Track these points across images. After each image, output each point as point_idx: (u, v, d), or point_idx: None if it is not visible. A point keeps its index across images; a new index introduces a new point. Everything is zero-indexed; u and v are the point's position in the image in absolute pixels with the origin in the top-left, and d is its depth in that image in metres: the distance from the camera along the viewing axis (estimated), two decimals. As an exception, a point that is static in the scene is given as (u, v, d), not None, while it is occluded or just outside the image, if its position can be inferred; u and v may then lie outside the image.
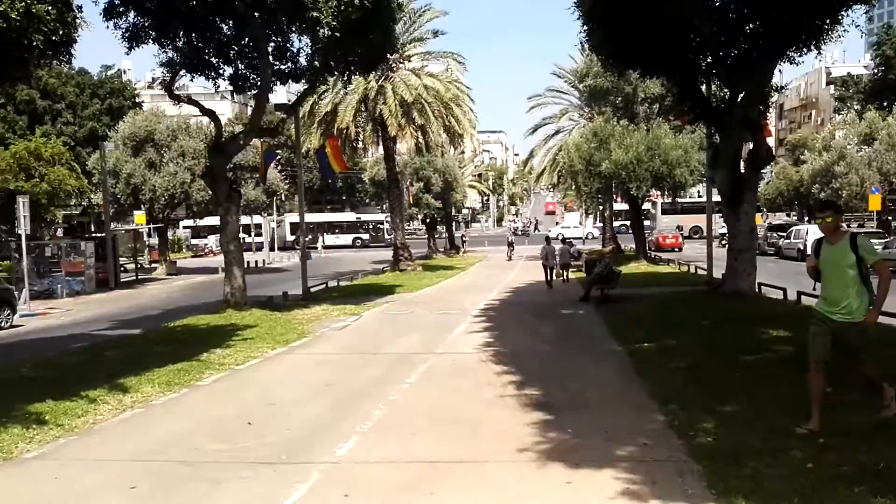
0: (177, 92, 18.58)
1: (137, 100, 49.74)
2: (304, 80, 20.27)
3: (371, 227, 62.66)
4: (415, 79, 31.41)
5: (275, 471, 5.63)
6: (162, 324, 15.84)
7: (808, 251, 6.71)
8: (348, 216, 66.85)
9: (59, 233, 44.01)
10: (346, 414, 7.33)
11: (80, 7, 12.61)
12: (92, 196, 37.31)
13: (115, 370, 9.49)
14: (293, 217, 57.14)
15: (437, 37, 32.40)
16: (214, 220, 34.02)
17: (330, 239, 60.79)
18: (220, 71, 19.25)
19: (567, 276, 24.43)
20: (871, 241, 6.33)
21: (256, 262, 43.43)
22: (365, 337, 13.17)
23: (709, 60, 15.73)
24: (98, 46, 46.46)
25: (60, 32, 9.97)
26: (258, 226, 50.40)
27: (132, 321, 17.67)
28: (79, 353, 11.78)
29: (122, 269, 33.27)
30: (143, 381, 8.88)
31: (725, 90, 16.45)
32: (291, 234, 57.43)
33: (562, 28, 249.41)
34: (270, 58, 19.98)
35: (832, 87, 63.77)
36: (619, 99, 32.69)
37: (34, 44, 9.49)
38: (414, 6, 31.23)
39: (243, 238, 19.60)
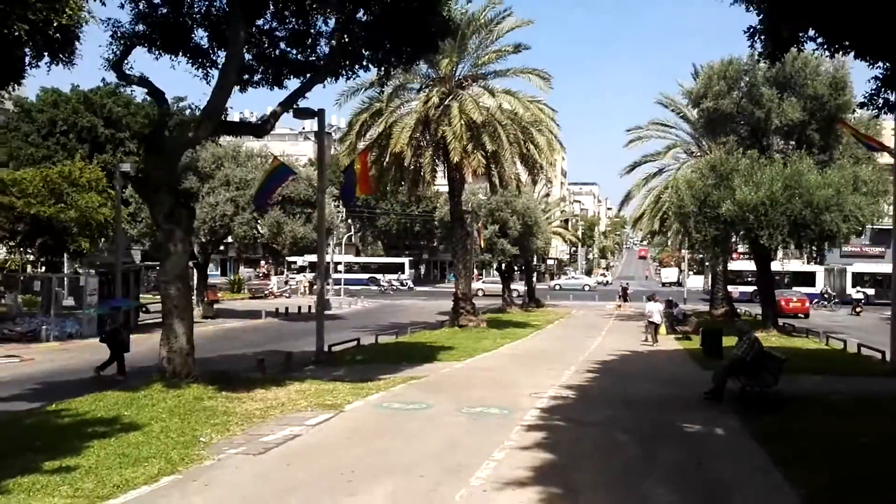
0: (128, 72, 13.99)
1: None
2: (324, 72, 15.29)
3: None
4: (488, 97, 25.82)
5: None
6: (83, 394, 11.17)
7: None
8: None
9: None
10: None
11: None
12: (129, 228, 33.52)
13: None
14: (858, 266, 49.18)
15: (520, 52, 26.48)
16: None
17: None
18: (214, 57, 14.71)
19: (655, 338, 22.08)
20: None
21: (310, 307, 39.01)
22: (290, 487, 6.78)
23: None
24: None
25: (55, 24, 8.55)
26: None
27: (61, 385, 13.74)
28: None
29: (145, 309, 29.06)
30: None
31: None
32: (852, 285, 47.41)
33: (666, 72, 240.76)
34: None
35: None
36: (746, 128, 25.81)
37: (17, 35, 8.16)
38: (490, 14, 25.85)
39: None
